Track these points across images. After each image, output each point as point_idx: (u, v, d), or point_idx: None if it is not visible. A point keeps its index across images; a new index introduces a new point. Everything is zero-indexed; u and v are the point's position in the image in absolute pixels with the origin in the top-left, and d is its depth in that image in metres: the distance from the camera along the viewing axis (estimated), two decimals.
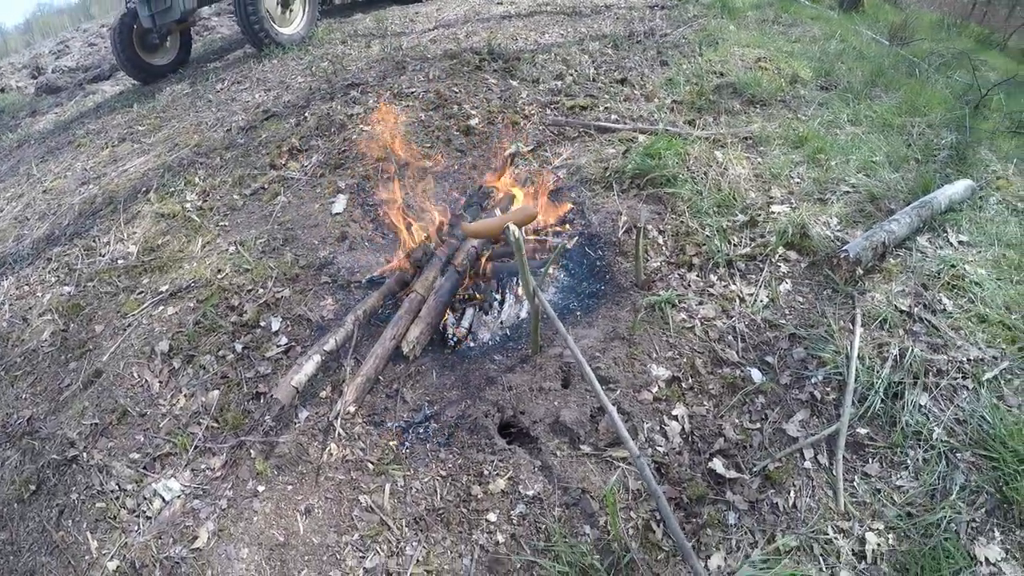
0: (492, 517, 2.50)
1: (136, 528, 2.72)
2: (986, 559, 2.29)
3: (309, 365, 2.84)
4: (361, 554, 2.48)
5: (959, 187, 3.89)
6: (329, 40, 7.73)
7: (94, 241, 4.63)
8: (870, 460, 2.61)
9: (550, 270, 3.51)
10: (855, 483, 2.54)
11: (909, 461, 2.58)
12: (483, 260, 3.45)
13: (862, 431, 2.68)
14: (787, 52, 6.36)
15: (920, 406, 2.73)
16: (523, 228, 2.85)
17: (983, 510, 2.41)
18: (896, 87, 5.74)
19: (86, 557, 2.67)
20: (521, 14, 8.01)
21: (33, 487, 3.00)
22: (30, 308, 4.18)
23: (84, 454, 3.04)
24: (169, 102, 7.09)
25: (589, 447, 2.66)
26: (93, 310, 3.93)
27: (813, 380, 2.88)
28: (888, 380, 2.80)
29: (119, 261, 4.30)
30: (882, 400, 2.74)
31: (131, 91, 8.16)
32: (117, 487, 2.88)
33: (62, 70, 11.65)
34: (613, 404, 2.63)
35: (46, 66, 12.62)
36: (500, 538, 2.44)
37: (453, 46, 6.66)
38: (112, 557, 2.63)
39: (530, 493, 2.54)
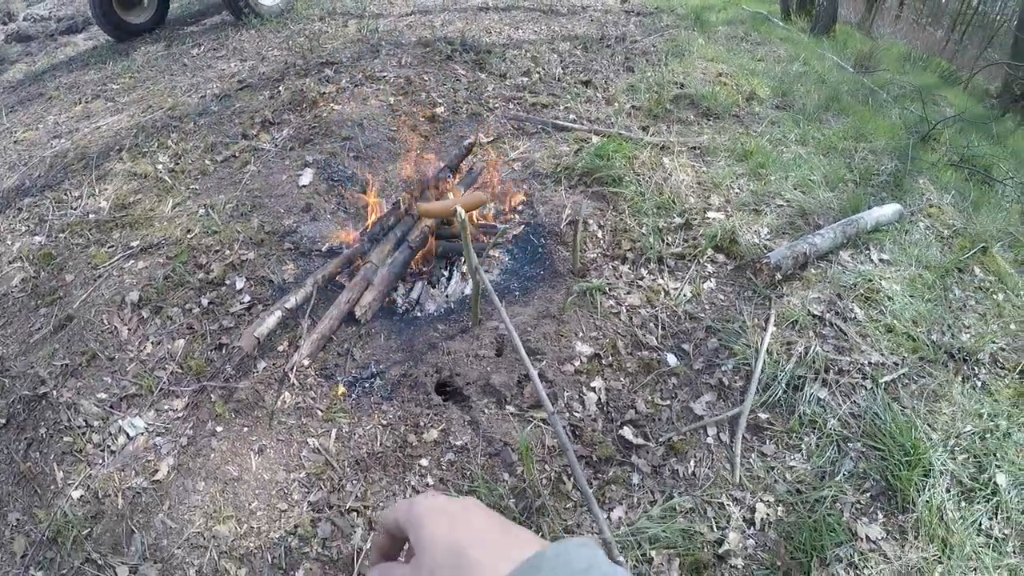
0: (424, 462, 2.80)
1: (101, 461, 2.93)
2: (867, 536, 2.61)
3: (271, 319, 3.11)
4: (306, 489, 2.75)
5: (887, 210, 4.25)
6: (308, 16, 7.84)
7: (65, 194, 4.75)
8: (767, 441, 2.95)
9: (496, 253, 3.81)
10: (751, 460, 2.87)
11: (803, 445, 2.93)
12: (433, 239, 3.75)
13: (763, 416, 3.02)
14: (749, 70, 6.69)
15: (818, 399, 3.09)
16: (472, 212, 3.15)
17: (868, 494, 2.76)
18: (848, 113, 6.12)
19: (51, 487, 2.86)
20: (498, 7, 8.22)
21: (2, 421, 3.17)
22: (0, 255, 4.32)
23: (54, 392, 3.22)
24: (144, 63, 7.14)
25: (514, 407, 2.98)
26: (64, 260, 4.07)
27: (723, 368, 3.23)
28: (791, 373, 3.15)
29: (91, 215, 4.43)
30: (784, 390, 3.09)
31: (104, 47, 8.12)
32: (84, 423, 3.07)
33: (34, 19, 11.49)
34: (538, 372, 2.97)
35: (17, 13, 12.44)
36: (430, 480, 2.74)
37: (428, 34, 6.87)
38: (77, 487, 2.83)
39: (459, 443, 2.86)
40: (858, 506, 2.72)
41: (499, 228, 3.86)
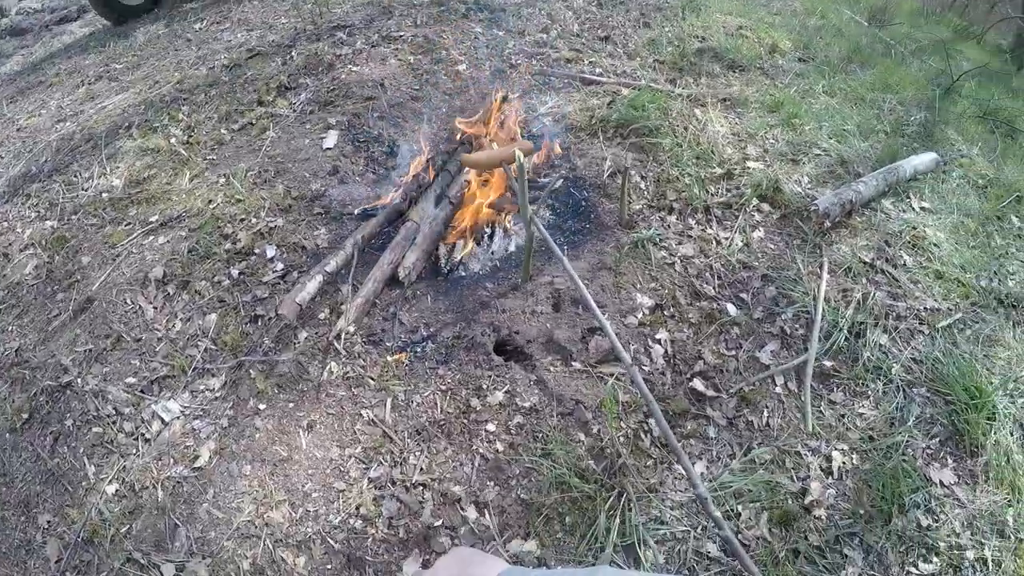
0: (491, 427, 2.64)
1: (135, 451, 2.75)
2: (940, 482, 2.59)
3: (312, 284, 2.94)
4: (364, 465, 2.59)
5: (925, 159, 4.16)
6: None
7: (75, 176, 4.56)
8: (835, 389, 2.88)
9: (535, 208, 3.63)
10: (822, 408, 2.80)
11: (870, 392, 2.87)
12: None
13: (827, 363, 2.94)
14: (768, 23, 6.50)
15: (880, 345, 3.01)
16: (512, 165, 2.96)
17: (937, 439, 2.72)
18: (871, 64, 5.97)
19: (83, 483, 2.69)
20: None
21: (25, 415, 2.99)
22: (10, 244, 4.11)
23: (78, 380, 3.03)
24: (145, 42, 6.92)
25: (580, 364, 2.82)
26: (79, 242, 3.89)
27: (783, 316, 3.12)
28: (852, 320, 3.07)
29: (104, 194, 4.25)
30: (846, 337, 3.01)
31: (102, 32, 7.88)
32: (114, 411, 2.89)
33: (27, 12, 11.22)
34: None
35: (9, 8, 12.15)
36: (499, 447, 2.59)
37: None
38: (111, 481, 2.66)
39: (527, 405, 2.70)
40: (929, 451, 2.69)
41: (543, 181, 3.68)
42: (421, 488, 2.51)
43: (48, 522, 2.65)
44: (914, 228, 3.62)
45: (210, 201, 3.88)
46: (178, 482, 2.62)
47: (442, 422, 2.67)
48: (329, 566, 2.37)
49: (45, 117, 5.77)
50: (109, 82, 6.10)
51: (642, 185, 3.74)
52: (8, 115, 6.11)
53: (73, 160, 4.80)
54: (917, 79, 5.85)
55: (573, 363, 2.83)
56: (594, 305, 2.62)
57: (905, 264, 3.43)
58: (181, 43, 6.50)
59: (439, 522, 2.41)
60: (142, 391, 2.96)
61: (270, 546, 2.41)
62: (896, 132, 4.72)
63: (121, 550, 2.47)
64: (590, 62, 5.15)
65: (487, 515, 2.42)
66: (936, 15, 11.05)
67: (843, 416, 2.78)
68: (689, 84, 4.96)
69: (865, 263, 3.41)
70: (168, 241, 3.68)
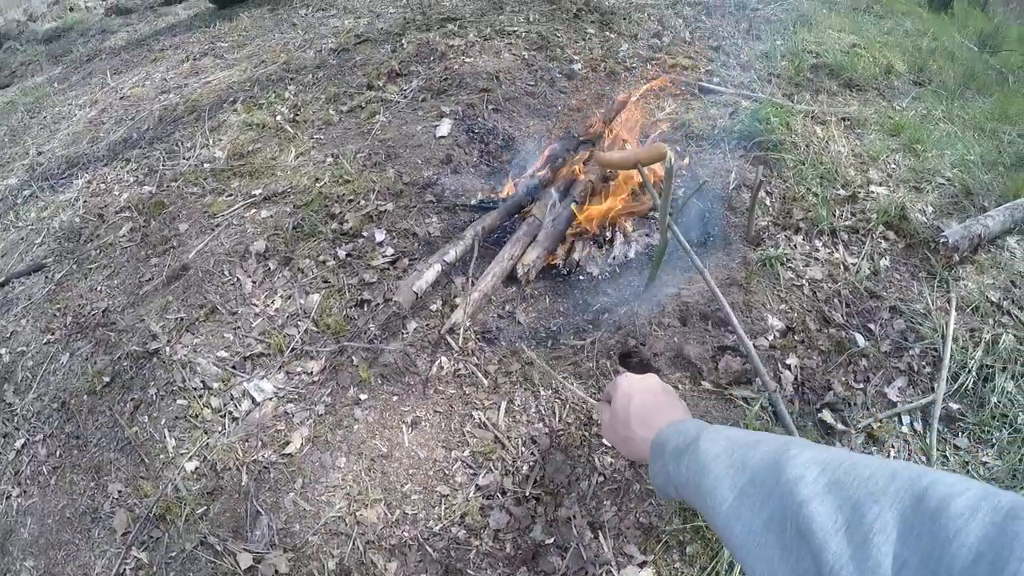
0: None
1: (220, 429, 2.66)
2: None
3: (430, 273, 2.84)
4: (472, 471, 2.45)
5: None
6: None
7: (177, 145, 4.61)
8: (960, 434, 2.68)
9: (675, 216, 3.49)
10: (947, 453, 2.61)
11: (995, 440, 2.66)
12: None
13: (954, 406, 2.74)
14: (880, 42, 6.25)
15: (1007, 391, 2.79)
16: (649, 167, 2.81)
17: None
18: (988, 92, 5.69)
19: (161, 456, 2.62)
20: None
21: (107, 379, 2.94)
22: (106, 206, 4.16)
23: (167, 348, 2.97)
24: (250, 24, 7.00)
25: (710, 384, 2.65)
26: (177, 209, 3.89)
27: (911, 352, 2.92)
28: (980, 362, 2.85)
29: (205, 164, 4.27)
30: (973, 381, 2.80)
31: (207, 13, 8.04)
32: (202, 384, 2.82)
33: None
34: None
35: None
36: (621, 464, 2.42)
37: None
38: (191, 457, 2.58)
39: None
40: None
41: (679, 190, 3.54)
42: (534, 502, 2.36)
43: (119, 492, 2.58)
44: None
45: (317, 179, 3.83)
46: (264, 467, 2.52)
47: (560, 432, 2.52)
48: (424, 575, 2.24)
49: (149, 88, 5.87)
50: (214, 59, 6.18)
51: (767, 201, 3.57)
52: (112, 85, 6.25)
53: (175, 130, 4.85)
54: None
55: (703, 382, 2.66)
56: (739, 326, 2.43)
57: None
58: (287, 27, 6.54)
59: (551, 540, 2.26)
60: (234, 367, 2.88)
61: (360, 547, 2.29)
62: (1017, 166, 4.43)
63: (195, 532, 2.39)
64: (706, 70, 4.98)
65: (601, 537, 2.27)
66: None
67: (967, 463, 2.59)
68: (807, 100, 4.77)
69: (992, 303, 3.17)
70: (271, 216, 3.64)
